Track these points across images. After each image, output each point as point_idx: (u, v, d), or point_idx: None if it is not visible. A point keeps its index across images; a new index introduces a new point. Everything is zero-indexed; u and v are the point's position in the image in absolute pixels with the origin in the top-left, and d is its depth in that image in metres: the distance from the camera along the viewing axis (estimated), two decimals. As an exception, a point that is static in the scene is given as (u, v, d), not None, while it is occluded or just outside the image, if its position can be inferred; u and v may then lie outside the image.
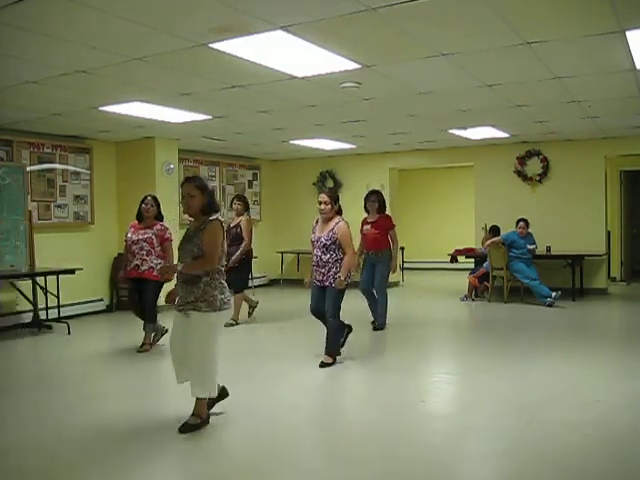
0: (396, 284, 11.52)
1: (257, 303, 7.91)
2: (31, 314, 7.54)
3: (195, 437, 3.73)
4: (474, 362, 5.66)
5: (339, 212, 5.54)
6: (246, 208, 7.65)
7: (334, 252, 5.39)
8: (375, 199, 7.22)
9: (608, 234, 10.28)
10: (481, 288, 9.56)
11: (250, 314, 7.88)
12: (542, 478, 3.13)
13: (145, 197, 6.37)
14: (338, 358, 5.57)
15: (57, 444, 3.68)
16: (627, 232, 11.90)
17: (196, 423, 3.82)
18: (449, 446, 3.59)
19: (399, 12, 3.73)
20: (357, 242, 6.58)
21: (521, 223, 8.96)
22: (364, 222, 7.19)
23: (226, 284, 3.96)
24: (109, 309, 8.90)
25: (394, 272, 7.40)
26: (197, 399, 3.87)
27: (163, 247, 6.27)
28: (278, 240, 11.72)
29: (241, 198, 7.77)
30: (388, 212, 7.70)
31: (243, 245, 7.34)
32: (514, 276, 8.98)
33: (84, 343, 6.81)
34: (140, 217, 6.32)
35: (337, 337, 5.58)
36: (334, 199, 5.47)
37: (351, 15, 3.77)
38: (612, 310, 8.97)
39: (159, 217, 6.38)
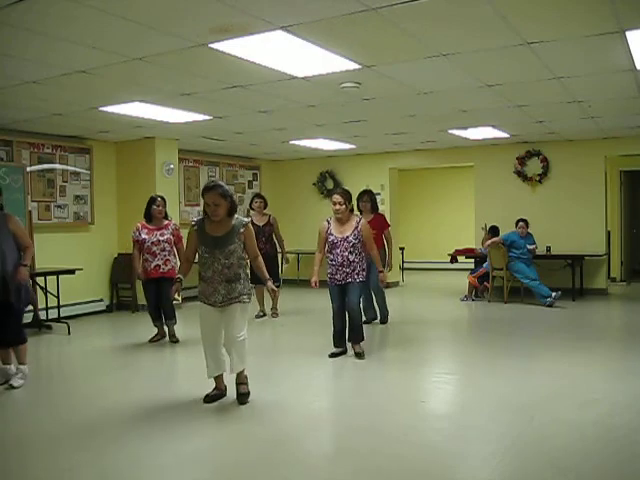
0: (396, 284, 11.53)
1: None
2: (31, 314, 7.54)
3: (196, 432, 3.74)
4: (474, 362, 5.66)
5: (351, 210, 5.63)
6: (266, 205, 8.18)
7: (359, 251, 5.53)
8: (368, 199, 7.26)
9: (608, 234, 10.28)
10: (481, 288, 9.56)
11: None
12: (542, 478, 3.12)
13: (154, 198, 6.49)
14: (340, 358, 5.66)
15: (57, 441, 3.68)
16: (627, 232, 11.89)
17: (248, 391, 4.41)
18: (449, 446, 3.59)
19: (399, 12, 3.73)
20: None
21: (521, 223, 8.95)
22: None
23: None
24: (109, 309, 8.89)
25: (390, 270, 7.43)
26: (240, 372, 4.42)
27: (177, 246, 6.45)
28: (278, 240, 11.69)
29: (262, 196, 8.20)
30: (382, 212, 7.69)
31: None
32: (514, 276, 8.98)
33: (85, 342, 6.80)
34: (149, 217, 6.38)
35: (361, 325, 5.81)
36: (348, 199, 5.54)
37: (351, 15, 3.77)
38: (612, 310, 8.96)
39: (165, 216, 6.55)
